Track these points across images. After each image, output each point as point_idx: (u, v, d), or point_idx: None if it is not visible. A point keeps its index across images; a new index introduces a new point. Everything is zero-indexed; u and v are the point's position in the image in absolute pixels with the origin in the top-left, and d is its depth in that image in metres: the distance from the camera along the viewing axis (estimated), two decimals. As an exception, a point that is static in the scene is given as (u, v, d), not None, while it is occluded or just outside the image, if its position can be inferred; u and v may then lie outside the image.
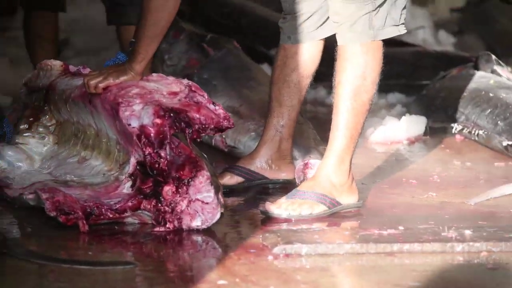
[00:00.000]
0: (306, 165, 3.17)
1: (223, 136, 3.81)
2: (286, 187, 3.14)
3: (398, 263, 2.46)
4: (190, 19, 5.64)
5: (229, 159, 3.61)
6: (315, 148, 3.50)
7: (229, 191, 3.18)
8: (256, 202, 2.97)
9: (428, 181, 3.38)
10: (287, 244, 2.51)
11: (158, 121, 2.71)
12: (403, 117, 4.30)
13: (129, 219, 2.72)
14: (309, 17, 3.16)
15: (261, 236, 2.62)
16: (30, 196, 2.77)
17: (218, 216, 2.70)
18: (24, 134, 3.20)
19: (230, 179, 3.23)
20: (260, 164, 3.26)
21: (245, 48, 4.54)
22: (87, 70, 3.12)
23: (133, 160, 2.76)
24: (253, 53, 4.85)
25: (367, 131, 4.22)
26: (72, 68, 3.25)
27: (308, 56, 3.20)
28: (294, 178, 3.19)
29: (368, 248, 2.53)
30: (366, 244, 2.53)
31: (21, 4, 4.25)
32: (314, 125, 3.76)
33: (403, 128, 4.20)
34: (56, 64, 3.27)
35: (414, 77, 5.53)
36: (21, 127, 3.23)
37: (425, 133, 4.24)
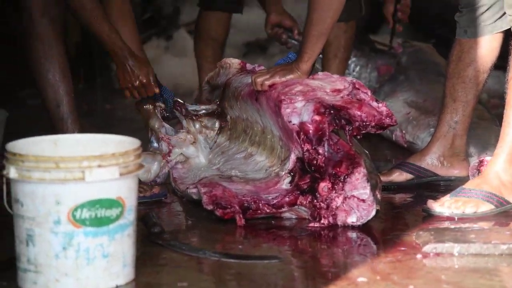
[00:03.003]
0: (481, 162, 3.07)
1: (403, 132, 3.77)
2: (459, 185, 3.05)
3: (558, 266, 2.34)
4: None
5: (408, 155, 3.56)
6: (494, 145, 3.37)
7: (397, 188, 3.15)
8: (423, 200, 2.91)
9: None
10: (438, 243, 2.44)
11: (317, 118, 2.73)
12: None
13: (287, 214, 2.77)
14: (487, 10, 3.06)
15: (415, 234, 2.57)
16: (193, 191, 2.90)
17: (373, 213, 2.68)
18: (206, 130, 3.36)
19: (399, 176, 3.19)
20: (431, 161, 3.20)
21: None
22: (261, 69, 3.21)
23: (293, 157, 2.80)
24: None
25: None
26: (249, 66, 3.35)
27: (485, 50, 3.09)
28: (468, 176, 3.10)
29: (526, 249, 2.41)
30: (524, 245, 2.42)
31: (198, 4, 4.23)
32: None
33: None
34: (235, 62, 3.38)
35: None
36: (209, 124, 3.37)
37: None
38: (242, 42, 6.18)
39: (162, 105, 3.32)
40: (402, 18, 4.59)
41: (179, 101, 3.35)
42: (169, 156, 3.20)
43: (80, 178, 2.07)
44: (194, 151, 3.24)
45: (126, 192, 2.13)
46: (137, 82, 3.18)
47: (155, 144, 3.27)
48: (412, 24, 5.87)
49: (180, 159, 3.24)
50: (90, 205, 2.10)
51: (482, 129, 3.50)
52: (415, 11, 5.18)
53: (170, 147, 3.22)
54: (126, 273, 2.18)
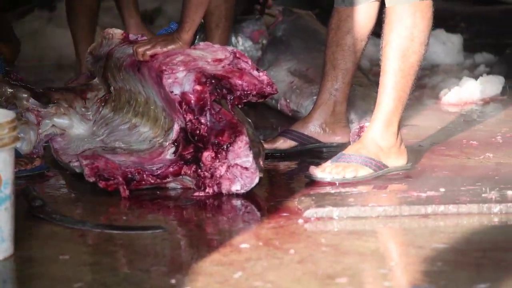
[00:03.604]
0: (361, 128, 3.14)
1: (288, 100, 3.82)
2: (341, 151, 3.12)
3: (430, 225, 2.42)
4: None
5: (293, 123, 3.61)
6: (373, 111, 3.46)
7: (282, 155, 3.20)
8: (306, 166, 2.97)
9: (489, 142, 3.29)
10: (319, 208, 2.51)
11: (198, 87, 2.74)
12: (480, 77, 4.19)
13: (172, 185, 2.78)
14: (362, -22, 3.12)
15: (297, 200, 2.63)
16: (76, 164, 2.88)
17: (256, 180, 2.72)
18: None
19: (283, 143, 3.23)
20: (314, 128, 3.26)
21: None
22: (143, 39, 3.19)
23: (176, 127, 2.81)
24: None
25: (441, 92, 4.14)
26: (132, 36, 3.32)
27: (362, 18, 3.15)
28: (349, 142, 3.17)
29: (401, 210, 2.49)
30: (400, 207, 2.50)
31: None
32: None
33: (478, 88, 4.10)
34: (117, 32, 3.35)
35: (505, 37, 5.37)
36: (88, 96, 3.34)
37: (502, 93, 4.13)
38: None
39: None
40: None
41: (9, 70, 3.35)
42: (39, 127, 3.17)
43: (-48, 152, 2.04)
44: (68, 123, 3.22)
45: (1, 165, 2.10)
46: None
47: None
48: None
49: (56, 132, 3.21)
50: (-37, 179, 2.06)
51: (362, 95, 3.59)
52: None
53: (40, 119, 3.18)
54: (4, 248, 2.15)
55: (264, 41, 4.43)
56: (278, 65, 4.05)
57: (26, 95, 3.21)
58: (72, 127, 3.22)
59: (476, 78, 4.19)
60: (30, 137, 3.12)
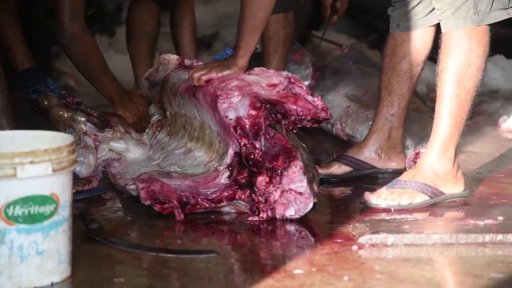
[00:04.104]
0: (417, 154, 3.12)
1: (343, 125, 3.81)
2: (396, 177, 3.09)
3: (488, 254, 2.38)
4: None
5: (348, 148, 3.60)
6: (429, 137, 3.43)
7: (337, 180, 3.19)
8: (361, 192, 2.95)
9: (550, 171, 3.25)
10: (373, 234, 2.49)
11: (253, 112, 2.75)
12: (541, 104, 4.14)
13: (226, 209, 2.79)
14: (418, 3, 3.10)
15: (351, 226, 2.61)
16: (132, 187, 2.90)
17: (311, 205, 2.71)
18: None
19: (338, 169, 3.22)
20: (369, 154, 3.24)
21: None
22: (199, 64, 3.22)
23: (231, 151, 2.82)
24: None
25: (500, 119, 4.09)
26: (187, 62, 3.36)
27: (418, 43, 3.14)
28: (405, 168, 3.15)
29: (458, 238, 2.46)
30: (456, 235, 2.46)
31: None
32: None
33: (539, 115, 4.05)
34: (173, 58, 3.39)
35: None
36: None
37: None
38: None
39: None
40: (340, 9, 4.64)
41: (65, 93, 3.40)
42: (97, 152, 3.21)
43: (12, 175, 2.06)
44: (125, 147, 3.25)
45: (59, 188, 2.13)
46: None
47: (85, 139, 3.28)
48: (354, 18, 5.95)
49: (113, 156, 3.24)
50: (23, 202, 2.09)
51: (418, 121, 3.56)
52: (358, 6, 5.25)
53: (97, 143, 3.22)
54: (61, 269, 2.18)
55: (308, 59, 4.44)
56: (335, 90, 4.06)
57: (83, 119, 3.26)
58: (129, 151, 3.26)
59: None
60: (89, 161, 3.17)
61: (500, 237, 2.46)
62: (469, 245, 2.44)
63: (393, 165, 3.24)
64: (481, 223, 2.56)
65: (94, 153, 3.18)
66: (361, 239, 2.48)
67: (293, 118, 2.77)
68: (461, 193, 2.89)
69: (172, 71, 3.31)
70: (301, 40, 5.47)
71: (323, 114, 2.80)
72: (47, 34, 4.46)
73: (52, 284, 2.16)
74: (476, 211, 2.77)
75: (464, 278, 2.22)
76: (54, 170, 2.11)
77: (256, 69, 2.95)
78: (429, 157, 2.89)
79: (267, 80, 2.88)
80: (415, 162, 3.05)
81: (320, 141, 3.93)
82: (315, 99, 2.81)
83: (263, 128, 2.74)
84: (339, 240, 2.51)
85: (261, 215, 2.72)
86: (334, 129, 3.87)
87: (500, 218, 2.61)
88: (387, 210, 2.80)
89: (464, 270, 2.29)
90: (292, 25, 4.09)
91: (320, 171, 3.14)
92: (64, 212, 2.16)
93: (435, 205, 2.84)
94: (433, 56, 3.13)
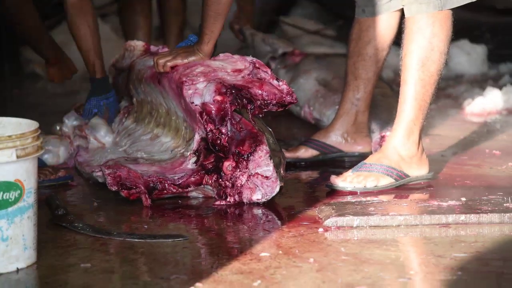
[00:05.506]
0: (383, 138, 3.15)
1: (311, 108, 3.83)
2: (362, 160, 3.12)
3: (451, 234, 2.42)
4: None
5: (316, 132, 3.62)
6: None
7: (304, 164, 3.21)
8: (328, 176, 2.97)
9: (512, 152, 3.29)
10: (339, 217, 2.51)
11: (219, 98, 2.76)
12: (504, 88, 4.18)
13: (193, 194, 2.80)
14: (383, -11, 3.13)
15: (317, 209, 2.63)
16: (99, 174, 2.90)
17: (277, 189, 2.73)
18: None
19: (305, 153, 3.25)
20: (336, 138, 3.26)
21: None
22: (164, 51, 3.22)
23: (197, 137, 2.83)
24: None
25: (465, 102, 4.14)
26: (153, 48, 3.36)
27: (383, 28, 3.16)
28: (371, 151, 3.18)
29: (422, 219, 2.49)
30: (420, 216, 2.49)
31: None
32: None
33: (502, 98, 4.09)
34: (139, 44, 3.39)
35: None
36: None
37: (527, 103, 4.11)
38: (155, 26, 6.17)
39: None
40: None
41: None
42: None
43: (-24, 161, 2.06)
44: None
45: (24, 174, 2.12)
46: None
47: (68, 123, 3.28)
48: (322, 5, 5.97)
49: (82, 144, 3.24)
50: (-13, 188, 2.09)
51: (384, 105, 3.59)
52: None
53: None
54: (27, 256, 2.18)
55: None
56: (309, 73, 4.05)
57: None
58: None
59: (500, 88, 4.19)
60: (59, 151, 3.16)
61: (462, 217, 2.49)
62: (432, 226, 2.48)
63: (359, 148, 3.27)
64: (444, 204, 2.60)
65: (66, 145, 3.18)
66: (327, 222, 2.50)
67: (258, 102, 2.78)
68: (426, 175, 2.93)
69: (137, 58, 3.30)
70: (270, 26, 5.48)
71: (288, 98, 2.81)
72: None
73: (18, 270, 2.16)
74: (440, 192, 2.81)
75: (428, 258, 2.25)
76: (18, 156, 2.10)
77: (221, 55, 2.96)
78: (394, 140, 2.91)
79: (232, 66, 2.89)
80: (381, 146, 3.08)
81: (287, 126, 3.95)
82: (280, 83, 2.83)
83: (229, 113, 2.75)
84: (305, 223, 2.54)
85: (228, 200, 2.73)
86: (302, 112, 3.88)
87: (463, 199, 2.64)
88: (353, 193, 2.83)
89: (427, 250, 2.32)
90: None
91: (287, 155, 3.16)
92: (29, 198, 2.16)
93: (400, 187, 2.87)
94: (399, 41, 3.15)
